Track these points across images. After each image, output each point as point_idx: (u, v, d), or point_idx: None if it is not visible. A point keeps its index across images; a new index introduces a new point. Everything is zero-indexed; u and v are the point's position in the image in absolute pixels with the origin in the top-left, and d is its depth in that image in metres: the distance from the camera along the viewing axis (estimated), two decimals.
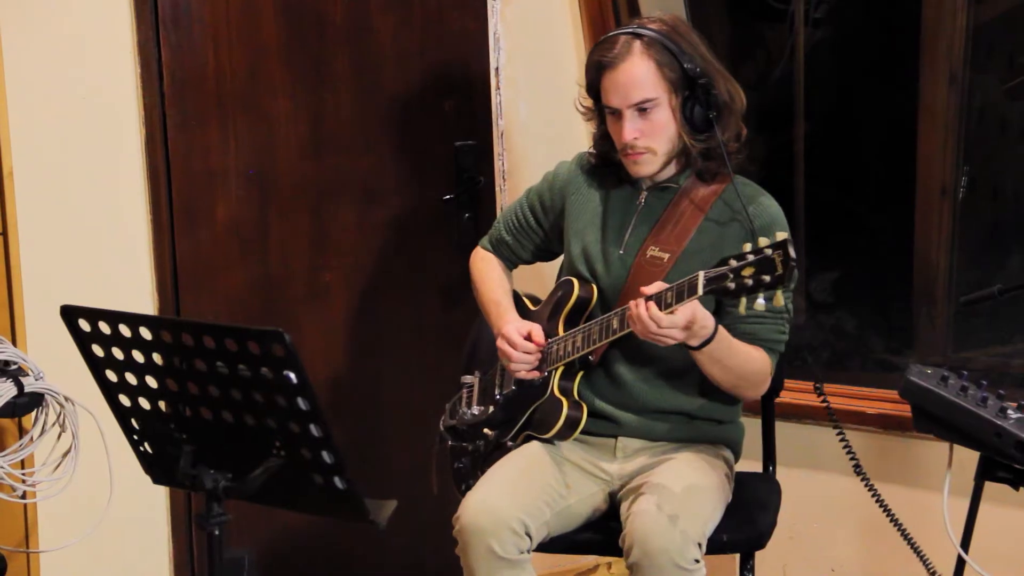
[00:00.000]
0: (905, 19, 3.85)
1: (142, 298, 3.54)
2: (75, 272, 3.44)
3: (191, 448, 2.45)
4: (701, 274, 2.65)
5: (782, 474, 3.40)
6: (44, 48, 3.37)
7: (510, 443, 3.15)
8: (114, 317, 2.40)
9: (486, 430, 3.21)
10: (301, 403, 2.27)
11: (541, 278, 3.59)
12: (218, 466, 2.43)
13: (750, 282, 2.56)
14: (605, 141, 3.11)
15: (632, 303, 2.78)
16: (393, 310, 3.91)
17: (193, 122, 3.56)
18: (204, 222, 3.61)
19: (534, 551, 2.94)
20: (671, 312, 2.73)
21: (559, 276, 3.24)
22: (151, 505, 3.58)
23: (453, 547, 2.92)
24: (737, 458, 3.21)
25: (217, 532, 2.40)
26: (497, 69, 4.02)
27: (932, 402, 2.53)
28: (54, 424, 3.13)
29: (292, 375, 2.25)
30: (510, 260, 3.35)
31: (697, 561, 2.78)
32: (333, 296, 3.82)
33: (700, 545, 2.82)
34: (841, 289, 4.11)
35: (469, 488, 3.19)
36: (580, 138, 4.17)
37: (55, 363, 3.08)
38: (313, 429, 2.29)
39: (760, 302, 2.56)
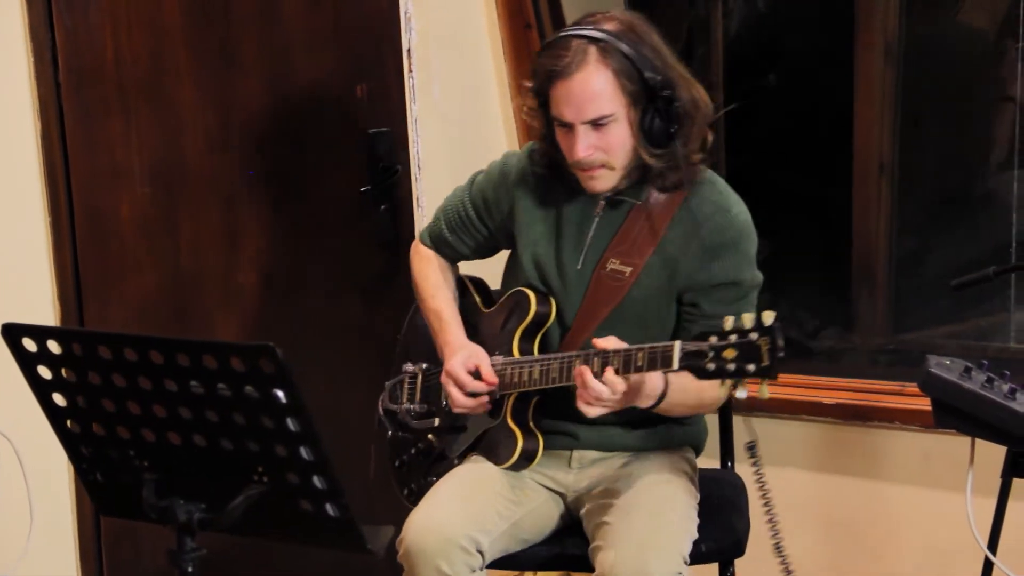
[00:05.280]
0: None
1: (42, 308, 3.25)
2: None
3: (153, 477, 2.21)
4: (677, 346, 2.41)
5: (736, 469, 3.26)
6: None
7: (456, 460, 2.95)
8: (66, 336, 2.15)
9: (430, 437, 3.00)
10: (291, 424, 2.06)
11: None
12: (187, 496, 2.18)
13: (732, 367, 2.34)
14: (555, 149, 2.79)
15: (579, 369, 2.55)
16: (312, 311, 3.67)
17: (93, 114, 3.28)
18: (108, 223, 3.33)
19: (488, 567, 2.76)
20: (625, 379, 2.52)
21: (507, 272, 3.02)
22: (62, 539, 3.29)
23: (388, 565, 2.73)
24: (698, 454, 3.05)
25: (191, 569, 2.17)
26: (409, 50, 3.79)
27: (957, 396, 2.38)
28: None
29: (280, 393, 2.03)
30: (451, 258, 3.11)
31: None
32: (248, 298, 3.57)
33: (682, 565, 2.64)
34: (774, 270, 3.98)
35: (411, 492, 2.99)
36: (496, 120, 4.01)
37: None
38: (304, 452, 2.08)
39: (740, 394, 2.35)
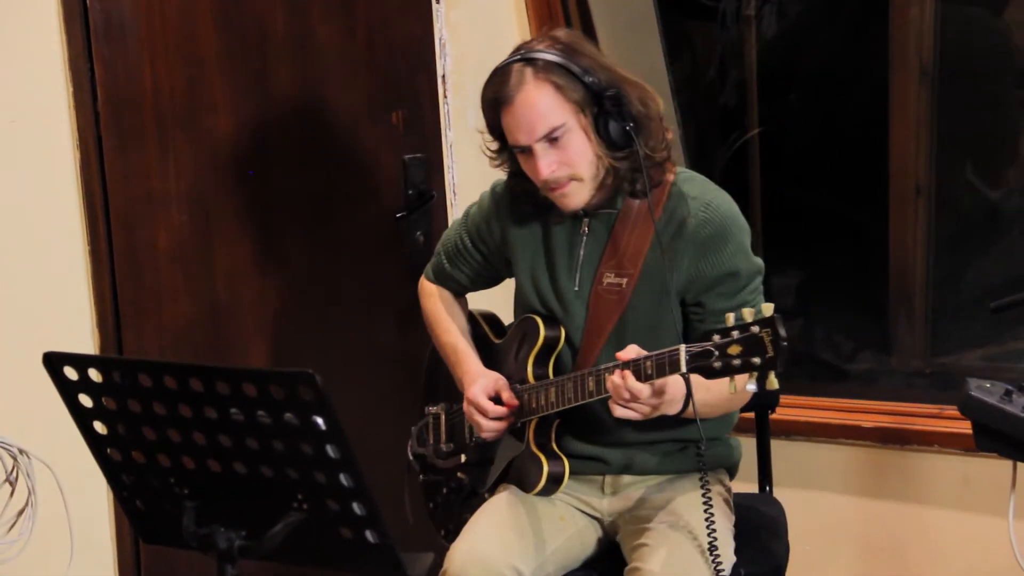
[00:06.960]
0: (869, 13, 3.73)
1: (81, 336, 3.25)
2: (7, 311, 3.14)
3: (193, 504, 2.22)
4: (682, 349, 2.42)
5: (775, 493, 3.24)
6: None
7: (487, 494, 2.95)
8: (107, 364, 2.17)
9: (460, 474, 3.01)
10: (330, 451, 2.07)
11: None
12: (227, 523, 2.20)
13: (738, 362, 2.34)
14: (524, 180, 2.80)
15: (611, 376, 2.54)
16: (346, 337, 3.68)
17: (131, 144, 3.29)
18: (145, 252, 3.33)
19: None
20: (649, 383, 2.50)
21: (515, 302, 3.00)
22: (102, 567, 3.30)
23: None
24: (733, 476, 3.03)
25: None
26: (444, 76, 3.80)
27: (998, 419, 2.37)
28: (4, 481, 2.86)
29: (320, 420, 2.04)
30: (456, 291, 3.12)
31: None
32: (283, 325, 3.57)
33: None
34: (809, 294, 3.98)
35: (449, 533, 2.99)
36: None
37: (5, 411, 2.81)
38: (343, 479, 2.09)
39: (751, 387, 2.35)
